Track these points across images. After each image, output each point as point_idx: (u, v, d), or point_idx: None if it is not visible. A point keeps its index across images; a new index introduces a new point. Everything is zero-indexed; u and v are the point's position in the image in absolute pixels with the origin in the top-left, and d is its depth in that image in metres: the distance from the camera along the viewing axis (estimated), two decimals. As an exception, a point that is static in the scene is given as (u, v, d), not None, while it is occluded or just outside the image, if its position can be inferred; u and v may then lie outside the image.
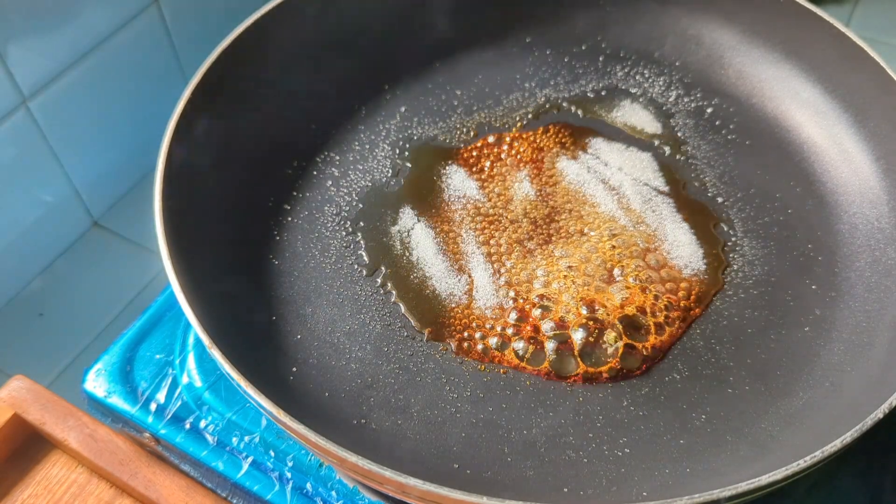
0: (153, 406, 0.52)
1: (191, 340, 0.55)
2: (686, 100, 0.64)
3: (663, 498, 0.38)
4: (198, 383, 0.53)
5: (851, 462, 0.49)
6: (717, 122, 0.63)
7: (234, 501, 0.51)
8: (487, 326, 0.52)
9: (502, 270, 0.55)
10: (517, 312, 0.52)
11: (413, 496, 0.40)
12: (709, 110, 0.64)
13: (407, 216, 0.58)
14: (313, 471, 0.50)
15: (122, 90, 0.78)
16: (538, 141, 0.63)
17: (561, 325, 0.51)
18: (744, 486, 0.38)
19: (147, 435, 0.52)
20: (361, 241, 0.56)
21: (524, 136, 0.63)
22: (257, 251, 0.55)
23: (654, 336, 0.51)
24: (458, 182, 0.60)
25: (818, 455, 0.39)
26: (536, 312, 0.52)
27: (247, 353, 0.47)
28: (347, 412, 0.48)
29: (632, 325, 0.51)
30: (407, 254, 0.56)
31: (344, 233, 0.57)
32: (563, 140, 0.62)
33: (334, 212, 0.58)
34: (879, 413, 0.41)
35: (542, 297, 0.53)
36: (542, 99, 0.65)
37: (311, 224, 0.57)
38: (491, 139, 0.62)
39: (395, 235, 0.57)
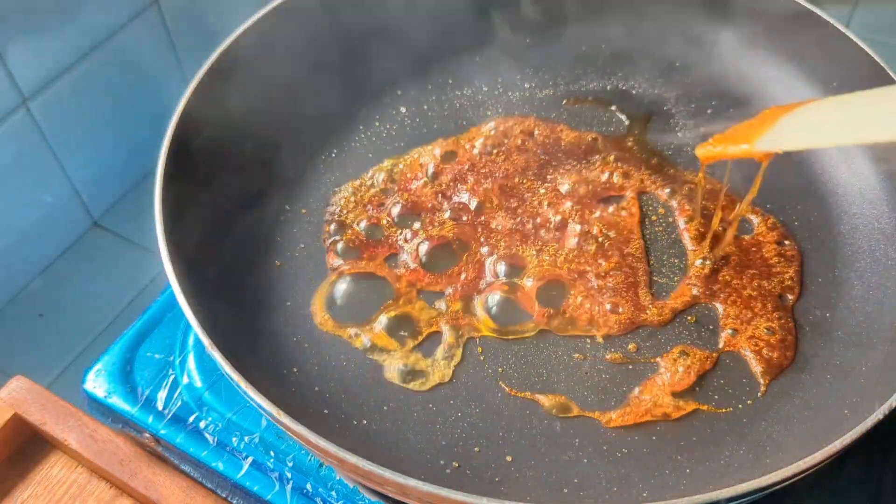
0: (153, 406, 0.52)
1: (191, 341, 0.55)
2: (686, 100, 0.64)
3: (663, 498, 0.38)
4: (198, 383, 0.53)
5: (851, 462, 0.49)
6: (717, 122, 0.63)
7: (234, 501, 0.51)
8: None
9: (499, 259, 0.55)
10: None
11: (413, 496, 0.40)
12: (709, 111, 0.64)
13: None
14: (313, 471, 0.50)
15: (122, 90, 0.78)
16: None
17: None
18: (744, 487, 0.38)
19: (147, 435, 0.52)
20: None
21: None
22: (257, 251, 0.55)
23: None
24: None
25: (818, 455, 0.39)
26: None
27: (247, 354, 0.47)
28: (347, 412, 0.48)
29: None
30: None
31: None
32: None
33: (334, 211, 0.58)
34: (879, 413, 0.41)
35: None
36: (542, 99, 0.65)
37: (310, 225, 0.57)
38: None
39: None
